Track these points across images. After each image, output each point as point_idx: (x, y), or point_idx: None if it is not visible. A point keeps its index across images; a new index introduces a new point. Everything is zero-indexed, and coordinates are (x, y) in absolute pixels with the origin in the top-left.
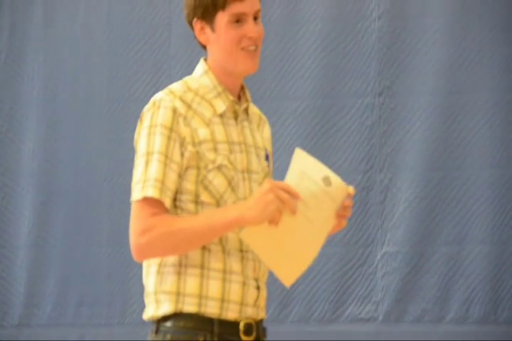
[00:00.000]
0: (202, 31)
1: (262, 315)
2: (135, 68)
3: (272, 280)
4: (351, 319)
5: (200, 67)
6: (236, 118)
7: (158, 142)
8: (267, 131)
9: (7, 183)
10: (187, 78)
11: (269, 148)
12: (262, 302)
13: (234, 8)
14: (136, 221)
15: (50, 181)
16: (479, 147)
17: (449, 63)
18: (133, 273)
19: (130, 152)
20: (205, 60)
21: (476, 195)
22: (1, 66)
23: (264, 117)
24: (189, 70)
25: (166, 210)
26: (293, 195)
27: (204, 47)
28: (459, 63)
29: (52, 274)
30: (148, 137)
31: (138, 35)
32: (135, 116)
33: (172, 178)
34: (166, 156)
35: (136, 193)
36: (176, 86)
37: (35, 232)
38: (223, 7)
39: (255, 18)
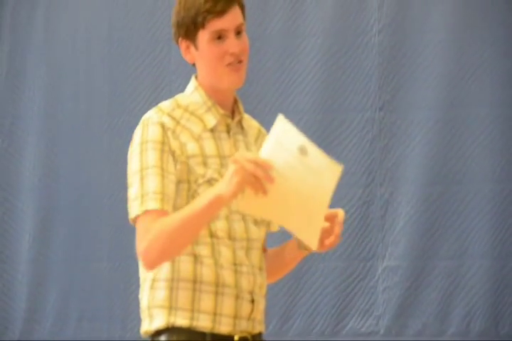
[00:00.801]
0: (187, 50)
1: (259, 328)
2: (136, 83)
3: (273, 294)
4: (352, 333)
5: (191, 84)
6: (228, 131)
7: (152, 157)
8: None
9: (8, 198)
10: (178, 95)
11: None
12: (258, 316)
13: (213, 26)
14: (138, 233)
15: (50, 196)
16: (479, 161)
17: (449, 78)
18: (133, 288)
19: None
20: (196, 77)
21: (477, 209)
22: (2, 81)
23: (263, 131)
24: None
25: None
26: (261, 164)
27: (194, 65)
28: (459, 78)
29: (52, 289)
30: (141, 154)
31: (138, 50)
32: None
33: (172, 189)
34: (162, 169)
35: (135, 209)
36: (165, 103)
37: (36, 247)
38: (203, 25)
39: (238, 32)
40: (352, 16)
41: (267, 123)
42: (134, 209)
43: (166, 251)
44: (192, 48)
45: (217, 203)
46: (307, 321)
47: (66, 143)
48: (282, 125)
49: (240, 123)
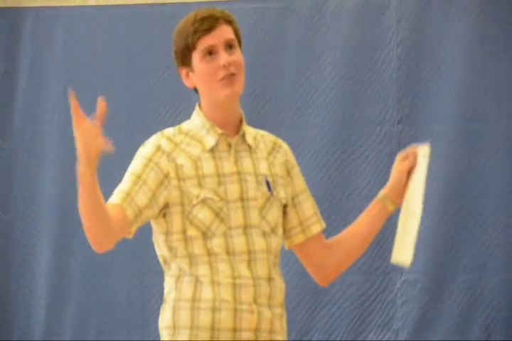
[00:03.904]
0: (187, 76)
1: (269, 337)
2: (155, 97)
3: (292, 308)
4: None
5: (195, 110)
6: (229, 150)
7: (135, 167)
8: (282, 156)
9: (27, 212)
10: (183, 123)
11: (283, 172)
12: (267, 325)
13: (202, 44)
14: None
15: (70, 209)
16: (498, 175)
17: (468, 90)
18: (152, 301)
19: None
20: (200, 105)
21: (496, 223)
22: (22, 95)
23: (279, 142)
24: None
25: (124, 215)
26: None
27: (196, 90)
28: (477, 91)
29: (72, 302)
30: (130, 167)
31: (157, 64)
32: None
33: (140, 196)
34: (139, 177)
35: None
36: (168, 129)
37: (55, 260)
38: (194, 46)
39: (230, 47)
40: (370, 30)
41: (285, 136)
42: None
43: (86, 229)
44: (190, 73)
45: (82, 177)
46: (326, 334)
47: None
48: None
49: (244, 140)
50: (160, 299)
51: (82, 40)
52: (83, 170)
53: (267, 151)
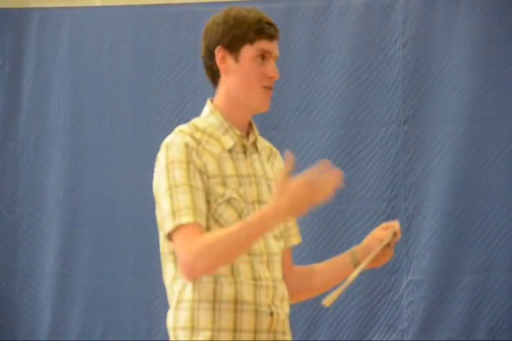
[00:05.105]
0: (223, 60)
1: (282, 338)
2: (160, 97)
3: (298, 308)
4: None
5: (207, 107)
6: (245, 152)
7: (179, 176)
8: (278, 162)
9: (33, 213)
10: (194, 120)
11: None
12: (280, 327)
13: (262, 44)
14: (181, 246)
15: (75, 210)
16: (504, 175)
17: (474, 91)
18: (158, 302)
19: None
20: (211, 101)
21: (501, 223)
22: (27, 97)
23: (275, 150)
24: None
25: (204, 229)
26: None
27: (213, 78)
28: (483, 91)
29: (77, 303)
30: (168, 174)
31: (163, 64)
32: (160, 146)
33: (202, 203)
34: (191, 186)
35: (168, 225)
36: (184, 127)
37: (61, 262)
38: (252, 41)
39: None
40: (376, 30)
41: (291, 138)
42: (167, 225)
43: (215, 263)
44: (229, 59)
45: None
46: (331, 335)
47: (91, 158)
48: None
49: (254, 143)
50: (166, 299)
51: (87, 41)
52: (282, 219)
53: (266, 157)
